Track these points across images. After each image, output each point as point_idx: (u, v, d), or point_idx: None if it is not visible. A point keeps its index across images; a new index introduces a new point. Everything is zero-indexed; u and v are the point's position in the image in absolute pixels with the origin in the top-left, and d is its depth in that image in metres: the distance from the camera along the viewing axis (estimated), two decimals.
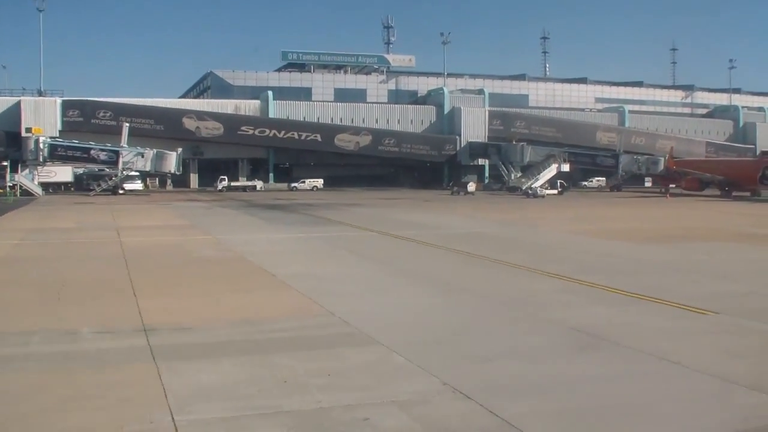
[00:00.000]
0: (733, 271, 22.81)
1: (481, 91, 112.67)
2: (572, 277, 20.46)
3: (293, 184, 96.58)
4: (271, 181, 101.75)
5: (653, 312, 16.06)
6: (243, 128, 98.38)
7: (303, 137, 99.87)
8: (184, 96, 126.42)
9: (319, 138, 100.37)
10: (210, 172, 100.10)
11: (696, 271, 22.64)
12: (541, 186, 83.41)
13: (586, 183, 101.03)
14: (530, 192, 79.01)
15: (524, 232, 37.11)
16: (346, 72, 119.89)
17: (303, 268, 23.39)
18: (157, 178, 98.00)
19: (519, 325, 15.02)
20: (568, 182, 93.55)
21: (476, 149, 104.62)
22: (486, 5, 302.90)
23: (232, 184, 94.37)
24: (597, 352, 12.70)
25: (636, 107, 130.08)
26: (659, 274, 22.05)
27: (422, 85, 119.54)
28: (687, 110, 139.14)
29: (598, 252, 27.56)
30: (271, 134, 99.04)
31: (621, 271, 22.60)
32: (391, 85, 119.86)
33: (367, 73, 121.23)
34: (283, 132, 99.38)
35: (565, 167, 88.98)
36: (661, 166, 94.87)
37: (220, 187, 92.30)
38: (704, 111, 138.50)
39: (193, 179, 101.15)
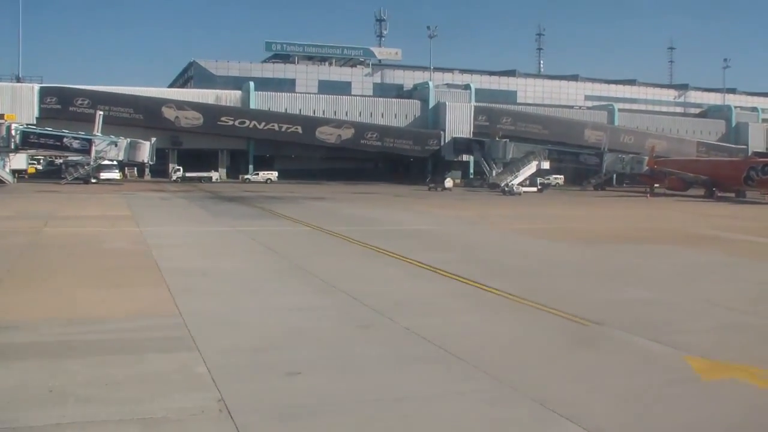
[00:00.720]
0: (655, 277, 21.41)
1: (467, 86, 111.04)
2: (473, 280, 19.01)
3: (246, 176, 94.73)
4: (251, 172, 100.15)
5: (524, 321, 14.75)
6: (223, 119, 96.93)
7: (283, 129, 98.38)
8: (171, 86, 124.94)
9: (300, 130, 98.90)
10: (190, 162, 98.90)
11: (616, 276, 21.28)
12: (519, 183, 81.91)
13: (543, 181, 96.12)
14: (507, 189, 77.57)
15: (468, 230, 35.74)
16: (330, 64, 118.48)
17: (199, 263, 22.11)
18: (135, 168, 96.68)
19: (365, 333, 13.65)
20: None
21: (460, 145, 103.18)
22: (480, 1, 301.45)
23: (187, 174, 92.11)
24: (423, 365, 11.36)
25: (627, 105, 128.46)
26: (573, 278, 20.68)
27: (408, 79, 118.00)
28: (680, 109, 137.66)
29: (526, 253, 26.18)
30: (251, 125, 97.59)
31: (533, 273, 21.28)
32: (377, 79, 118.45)
33: (352, 66, 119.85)
34: (263, 123, 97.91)
35: (546, 165, 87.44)
36: (644, 166, 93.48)
37: (174, 177, 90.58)
38: (698, 110, 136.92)
39: (171, 169, 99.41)
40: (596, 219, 45.12)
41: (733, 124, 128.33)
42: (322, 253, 25.17)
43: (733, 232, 36.93)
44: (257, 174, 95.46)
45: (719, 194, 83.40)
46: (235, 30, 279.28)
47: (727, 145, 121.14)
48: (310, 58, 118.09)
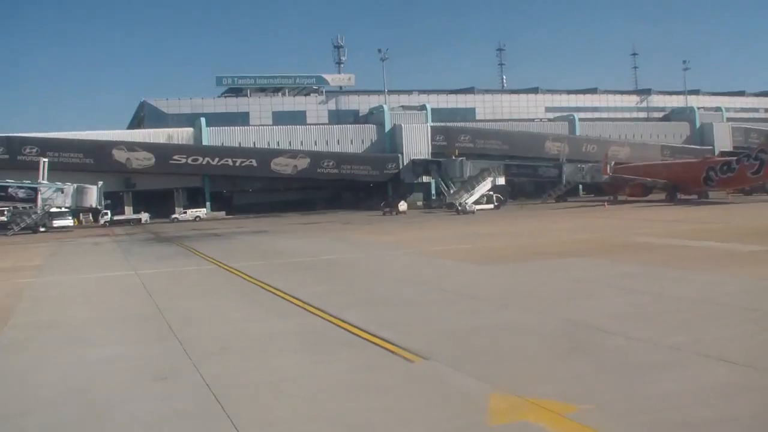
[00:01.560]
0: (543, 296, 19.65)
1: (423, 107, 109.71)
2: (334, 315, 17.34)
3: (173, 216, 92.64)
4: (208, 210, 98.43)
5: (351, 361, 13.14)
6: (175, 157, 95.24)
7: (238, 163, 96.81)
8: (129, 128, 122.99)
9: (254, 163, 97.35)
10: (145, 203, 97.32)
11: (498, 299, 19.47)
12: (474, 201, 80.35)
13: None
14: (460, 208, 75.98)
15: (378, 256, 33.89)
16: (284, 94, 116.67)
17: (58, 315, 20.72)
18: (90, 213, 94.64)
19: (152, 387, 12.02)
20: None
21: (418, 166, 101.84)
22: (434, 21, 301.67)
23: (115, 218, 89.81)
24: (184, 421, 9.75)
25: (589, 114, 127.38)
26: (448, 304, 18.86)
27: (364, 104, 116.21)
28: (643, 115, 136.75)
29: (421, 279, 24.32)
30: (204, 162, 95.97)
31: (406, 302, 19.47)
32: (331, 106, 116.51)
33: (306, 95, 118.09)
34: (216, 159, 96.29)
35: (501, 180, 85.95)
36: (609, 173, 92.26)
37: (102, 221, 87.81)
38: (662, 114, 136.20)
39: (128, 212, 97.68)
40: (533, 234, 43.48)
41: (698, 126, 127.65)
42: (197, 295, 23.48)
43: (669, 237, 35.44)
44: (185, 212, 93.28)
45: (683, 197, 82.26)
46: (185, 66, 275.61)
47: (693, 146, 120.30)
48: (262, 90, 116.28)
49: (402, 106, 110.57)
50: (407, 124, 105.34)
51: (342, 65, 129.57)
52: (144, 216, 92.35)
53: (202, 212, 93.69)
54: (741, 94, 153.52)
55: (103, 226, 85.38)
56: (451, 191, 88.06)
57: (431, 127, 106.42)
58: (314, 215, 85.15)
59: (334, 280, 24.87)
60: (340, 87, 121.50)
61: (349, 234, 49.66)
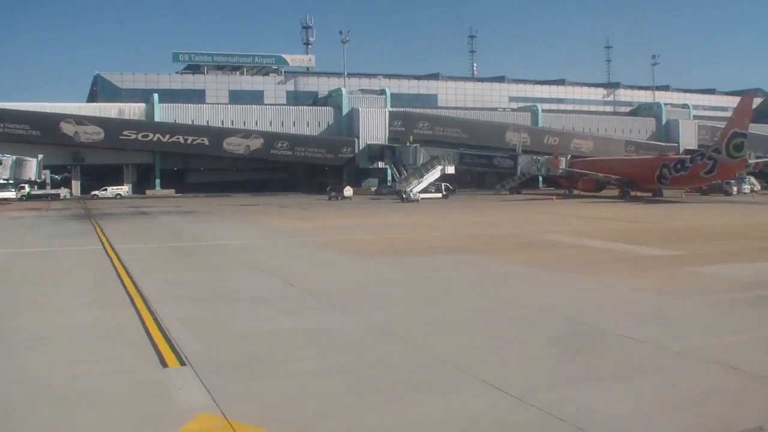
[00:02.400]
0: (393, 297, 18.21)
1: (382, 91, 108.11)
2: (151, 307, 16.00)
3: (93, 192, 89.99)
4: (158, 188, 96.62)
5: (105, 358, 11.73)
6: (125, 133, 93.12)
7: (189, 141, 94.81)
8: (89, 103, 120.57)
9: (206, 142, 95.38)
10: (96, 178, 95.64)
11: (328, 298, 17.86)
12: (423, 189, 78.98)
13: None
14: (404, 196, 74.53)
15: (268, 244, 32.28)
16: (242, 73, 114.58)
17: None
18: (36, 185, 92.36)
19: None
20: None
21: (374, 151, 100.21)
22: (406, 7, 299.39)
23: (32, 192, 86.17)
24: None
25: (555, 106, 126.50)
26: (274, 302, 17.41)
27: (323, 85, 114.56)
28: (610, 108, 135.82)
29: (283, 270, 22.83)
30: (155, 138, 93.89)
31: (238, 297, 18.11)
32: (290, 86, 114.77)
33: (264, 75, 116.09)
34: (167, 136, 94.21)
35: (450, 169, 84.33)
36: (563, 166, 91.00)
37: (18, 195, 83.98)
38: (629, 109, 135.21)
39: (75, 186, 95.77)
40: (450, 227, 41.99)
41: (664, 122, 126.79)
42: (37, 279, 21.90)
43: (585, 236, 33.99)
44: (105, 190, 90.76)
45: (638, 194, 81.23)
46: (143, 42, 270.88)
47: (657, 143, 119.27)
48: (220, 68, 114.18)
49: (361, 90, 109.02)
50: (365, 108, 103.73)
51: (310, 46, 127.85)
52: (63, 191, 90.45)
53: (123, 190, 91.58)
54: (711, 92, 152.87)
55: (20, 199, 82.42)
56: (402, 178, 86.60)
57: (390, 112, 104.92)
58: (262, 197, 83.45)
59: (196, 269, 23.48)
60: (308, 68, 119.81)
61: (270, 219, 47.91)
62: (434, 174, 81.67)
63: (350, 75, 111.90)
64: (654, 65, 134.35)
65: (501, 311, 15.73)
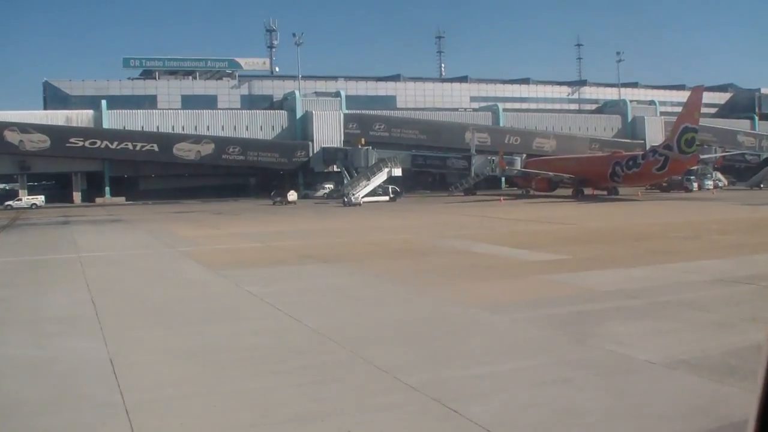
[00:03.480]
0: (180, 315, 16.45)
1: (337, 94, 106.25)
2: None
3: (7, 202, 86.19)
4: (107, 195, 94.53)
5: None
6: (72, 140, 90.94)
7: (138, 148, 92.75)
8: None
9: (155, 148, 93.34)
10: (46, 186, 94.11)
11: (116, 316, 16.19)
12: (370, 192, 77.27)
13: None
14: (345, 200, 72.66)
15: (145, 255, 30.52)
16: (195, 78, 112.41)
17: None
18: None
19: None
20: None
21: (329, 155, 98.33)
22: (369, 7, 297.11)
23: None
24: None
25: (517, 105, 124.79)
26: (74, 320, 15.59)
27: (278, 89, 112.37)
28: (575, 106, 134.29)
29: (113, 282, 21.26)
30: (102, 145, 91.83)
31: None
32: (244, 90, 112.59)
33: (218, 79, 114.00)
34: (115, 143, 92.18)
35: (397, 171, 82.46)
36: (517, 166, 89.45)
37: None
38: (595, 107, 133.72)
39: (23, 195, 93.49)
40: (359, 232, 40.13)
41: (629, 119, 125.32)
42: None
43: (482, 241, 31.61)
44: (20, 200, 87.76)
45: (594, 192, 79.71)
46: (93, 47, 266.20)
47: (623, 140, 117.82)
48: (173, 73, 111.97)
49: (315, 93, 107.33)
50: (319, 111, 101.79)
51: (274, 50, 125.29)
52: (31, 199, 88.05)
53: (39, 199, 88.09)
54: (681, 88, 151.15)
55: None
56: (347, 182, 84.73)
57: (345, 114, 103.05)
58: (210, 203, 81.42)
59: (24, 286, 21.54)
60: (272, 71, 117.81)
61: (180, 226, 45.68)
62: (381, 177, 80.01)
63: (307, 78, 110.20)
64: (619, 62, 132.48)
65: (260, 338, 13.78)
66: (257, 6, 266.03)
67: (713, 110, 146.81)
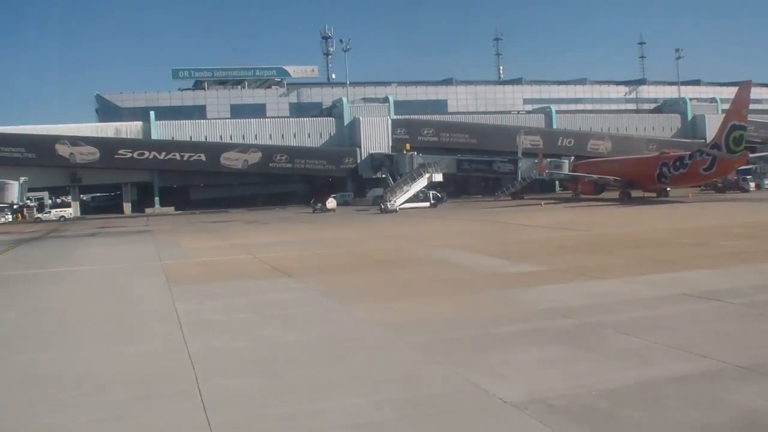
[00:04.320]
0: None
1: (386, 99, 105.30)
2: None
3: (37, 215, 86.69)
4: (157, 205, 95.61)
5: None
6: (120, 152, 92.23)
7: (186, 158, 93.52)
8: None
9: (203, 158, 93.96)
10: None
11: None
12: (410, 198, 76.08)
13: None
14: (382, 207, 71.57)
15: (126, 271, 29.87)
16: (243, 87, 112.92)
17: None
18: (34, 207, 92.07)
19: None
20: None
21: (377, 161, 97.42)
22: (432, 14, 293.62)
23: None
24: None
25: (573, 106, 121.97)
26: None
27: (327, 96, 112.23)
28: (633, 106, 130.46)
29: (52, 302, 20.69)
30: (150, 156, 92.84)
31: None
32: (293, 98, 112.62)
33: (266, 87, 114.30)
34: (163, 153, 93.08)
35: (438, 177, 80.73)
36: (565, 169, 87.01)
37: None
38: (654, 106, 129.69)
39: (75, 207, 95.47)
40: (364, 241, 39.13)
41: (689, 118, 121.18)
42: None
43: (475, 251, 30.21)
44: (49, 212, 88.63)
45: (645, 195, 77.03)
46: (144, 60, 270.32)
47: (682, 140, 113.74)
48: (222, 83, 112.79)
49: (363, 99, 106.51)
50: (366, 117, 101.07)
51: (330, 56, 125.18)
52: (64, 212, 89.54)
53: (67, 212, 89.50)
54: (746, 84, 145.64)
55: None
56: (388, 188, 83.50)
57: (393, 120, 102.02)
58: (256, 212, 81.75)
59: None
60: (327, 78, 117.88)
61: (192, 239, 45.28)
62: (421, 183, 78.56)
63: (356, 84, 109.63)
64: (678, 59, 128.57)
65: (122, 364, 12.93)
66: (306, 14, 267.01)
67: None
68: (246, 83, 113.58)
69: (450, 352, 12.81)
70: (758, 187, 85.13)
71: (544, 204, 72.92)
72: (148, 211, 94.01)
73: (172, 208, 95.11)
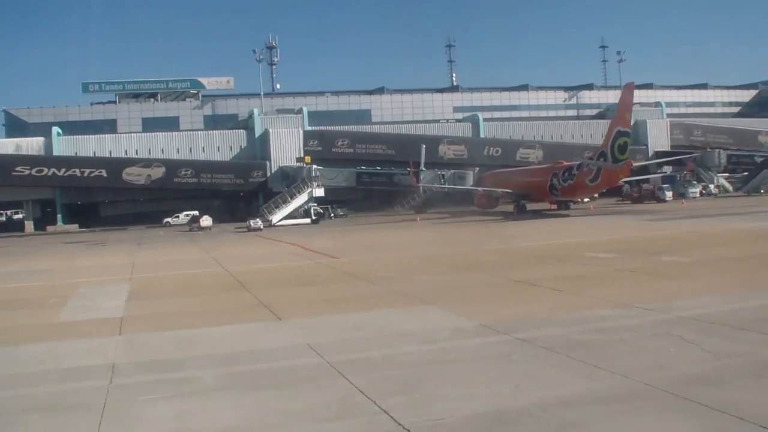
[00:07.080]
0: None
1: (300, 110, 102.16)
2: None
3: None
4: (60, 223, 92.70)
5: None
6: (18, 168, 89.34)
7: (86, 174, 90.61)
8: None
9: (104, 173, 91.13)
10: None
11: None
12: (289, 215, 73.25)
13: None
14: (250, 225, 68.49)
15: None
16: (156, 100, 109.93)
17: None
18: None
19: None
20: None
21: (288, 174, 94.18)
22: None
23: None
24: None
25: (507, 114, 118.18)
26: None
27: (243, 107, 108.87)
28: (573, 112, 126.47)
29: None
30: (50, 173, 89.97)
31: None
32: (207, 111, 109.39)
33: (180, 100, 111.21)
34: (63, 170, 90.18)
35: (320, 192, 77.75)
36: (470, 181, 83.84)
37: None
38: (597, 112, 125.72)
39: None
40: (147, 269, 36.20)
41: (631, 123, 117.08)
42: None
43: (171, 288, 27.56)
44: None
45: (552, 207, 74.01)
46: (53, 74, 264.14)
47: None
48: (136, 96, 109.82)
49: (276, 110, 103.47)
50: (279, 128, 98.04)
51: (275, 66, 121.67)
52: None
53: None
54: (703, 87, 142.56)
55: None
56: (265, 204, 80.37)
57: (305, 131, 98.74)
58: (144, 229, 78.78)
59: None
60: (275, 88, 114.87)
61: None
62: (300, 198, 75.68)
63: (274, 95, 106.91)
64: (620, 62, 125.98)
65: None
66: (223, 25, 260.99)
67: (736, 109, 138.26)
68: (159, 96, 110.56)
69: None
70: (682, 196, 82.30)
71: (420, 220, 69.70)
72: (49, 229, 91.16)
73: (76, 225, 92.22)
